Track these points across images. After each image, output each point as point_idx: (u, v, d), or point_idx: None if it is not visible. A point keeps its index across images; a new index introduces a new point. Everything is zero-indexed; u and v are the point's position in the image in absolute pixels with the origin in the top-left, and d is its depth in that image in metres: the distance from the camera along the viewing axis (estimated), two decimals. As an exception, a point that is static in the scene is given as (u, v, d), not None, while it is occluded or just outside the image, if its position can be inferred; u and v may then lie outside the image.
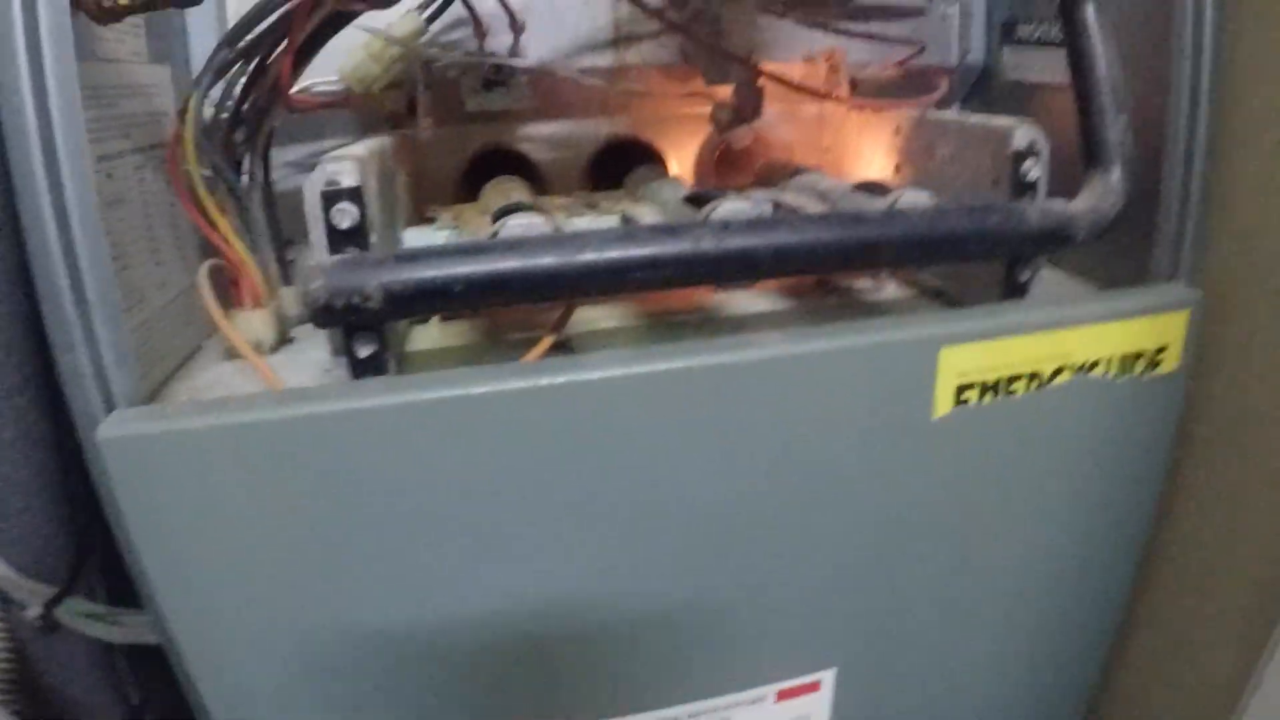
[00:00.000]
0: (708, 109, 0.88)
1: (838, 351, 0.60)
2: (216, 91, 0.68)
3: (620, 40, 0.85)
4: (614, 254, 0.56)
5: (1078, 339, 0.67)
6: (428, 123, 0.79)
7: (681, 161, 0.91)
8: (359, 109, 0.80)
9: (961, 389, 0.64)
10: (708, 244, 0.57)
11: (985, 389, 0.65)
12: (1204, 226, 0.73)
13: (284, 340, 0.77)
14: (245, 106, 0.70)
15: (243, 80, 0.69)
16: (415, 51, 0.76)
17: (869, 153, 0.86)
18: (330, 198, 0.58)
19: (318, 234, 0.58)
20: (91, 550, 0.76)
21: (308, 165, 0.87)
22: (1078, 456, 0.73)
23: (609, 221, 0.75)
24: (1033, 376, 0.67)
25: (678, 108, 0.89)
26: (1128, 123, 0.66)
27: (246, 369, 0.69)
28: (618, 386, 0.57)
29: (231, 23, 0.66)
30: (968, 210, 0.62)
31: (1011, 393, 0.66)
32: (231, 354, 0.73)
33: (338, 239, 0.58)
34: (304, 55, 0.68)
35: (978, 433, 0.67)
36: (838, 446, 0.63)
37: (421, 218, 0.80)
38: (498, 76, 0.80)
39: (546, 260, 0.56)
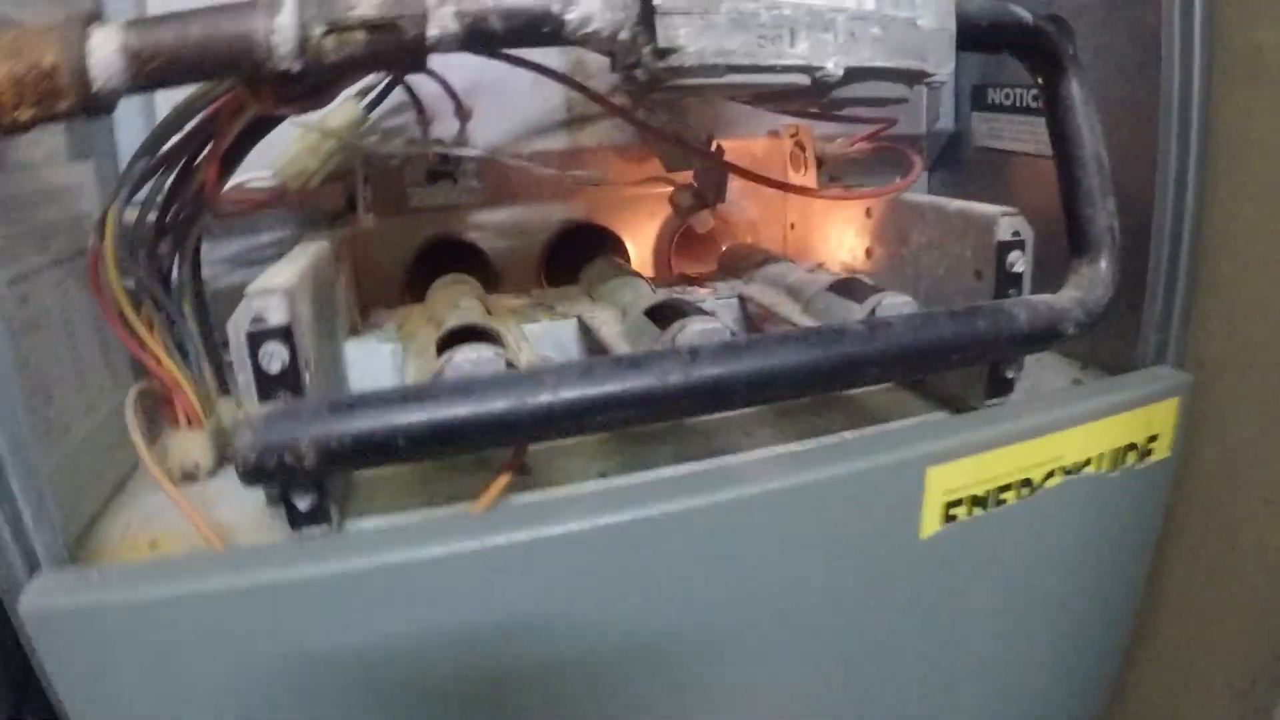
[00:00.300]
0: (667, 189, 0.83)
1: (822, 483, 0.55)
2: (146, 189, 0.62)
3: (574, 121, 0.80)
4: (572, 394, 0.50)
5: (1069, 441, 0.63)
6: (369, 219, 0.73)
7: (640, 244, 0.86)
8: (295, 207, 0.73)
9: (950, 505, 0.60)
10: (675, 377, 0.52)
11: (975, 502, 0.61)
12: (1191, 307, 0.69)
13: (225, 458, 0.71)
14: (170, 215, 0.63)
15: (166, 187, 0.62)
16: (355, 143, 0.70)
17: (838, 233, 0.81)
18: (257, 339, 0.52)
19: (245, 378, 0.52)
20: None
21: (243, 260, 0.80)
22: (1069, 551, 0.69)
23: (566, 327, 0.69)
24: (1024, 484, 0.62)
25: (635, 190, 0.83)
26: (1114, 207, 0.62)
27: (186, 493, 0.62)
28: (589, 540, 0.51)
29: (161, 106, 0.59)
30: (953, 317, 0.58)
31: (1002, 502, 0.62)
32: (171, 479, 0.67)
33: (267, 384, 0.52)
34: (230, 160, 0.61)
35: (968, 546, 0.62)
36: (822, 573, 0.58)
37: (365, 320, 0.74)
38: (443, 167, 0.74)
39: (498, 404, 0.50)
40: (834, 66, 0.53)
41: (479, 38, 0.52)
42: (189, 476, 0.67)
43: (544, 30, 0.53)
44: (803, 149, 0.80)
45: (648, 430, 0.67)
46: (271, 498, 0.55)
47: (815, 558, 0.58)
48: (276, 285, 0.52)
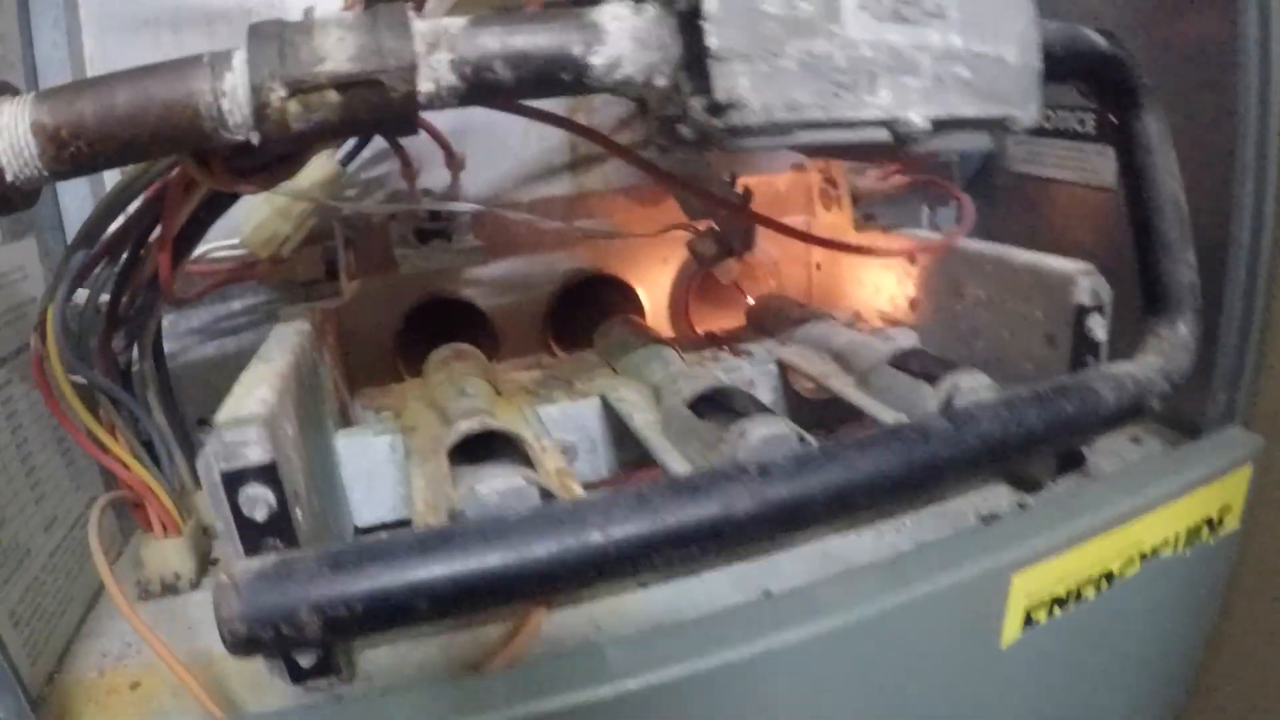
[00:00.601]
0: (685, 234, 0.72)
1: (904, 605, 0.46)
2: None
3: (578, 163, 0.69)
4: (626, 532, 0.41)
5: (1149, 525, 0.55)
6: (353, 287, 0.61)
7: (654, 292, 0.75)
8: (267, 278, 0.61)
9: (1031, 610, 0.51)
10: (745, 504, 0.42)
11: (1055, 603, 0.52)
12: (1263, 362, 0.61)
13: (208, 563, 0.60)
14: (122, 305, 0.52)
15: (114, 274, 0.50)
16: (331, 204, 0.58)
17: (874, 278, 0.71)
18: (234, 480, 0.41)
19: (224, 525, 0.41)
20: None
21: (213, 330, 0.68)
22: (1138, 632, 0.61)
23: (589, 409, 0.58)
24: (1105, 577, 0.54)
25: (650, 238, 0.73)
26: (1195, 259, 0.53)
27: (165, 613, 0.55)
28: (644, 699, 0.42)
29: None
30: (1040, 402, 0.49)
31: (1081, 598, 0.54)
32: (146, 593, 0.57)
33: (252, 533, 0.41)
34: (184, 244, 0.50)
35: (1045, 648, 0.54)
36: (897, 694, 0.50)
37: (353, 394, 0.63)
38: (435, 224, 0.62)
39: (540, 550, 0.40)
40: (919, 119, 0.43)
41: (483, 90, 0.41)
42: (169, 589, 0.58)
43: (563, 78, 0.42)
44: (834, 185, 0.69)
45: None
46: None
47: (890, 680, 0.49)
48: (253, 413, 0.42)
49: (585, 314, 0.73)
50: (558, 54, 0.41)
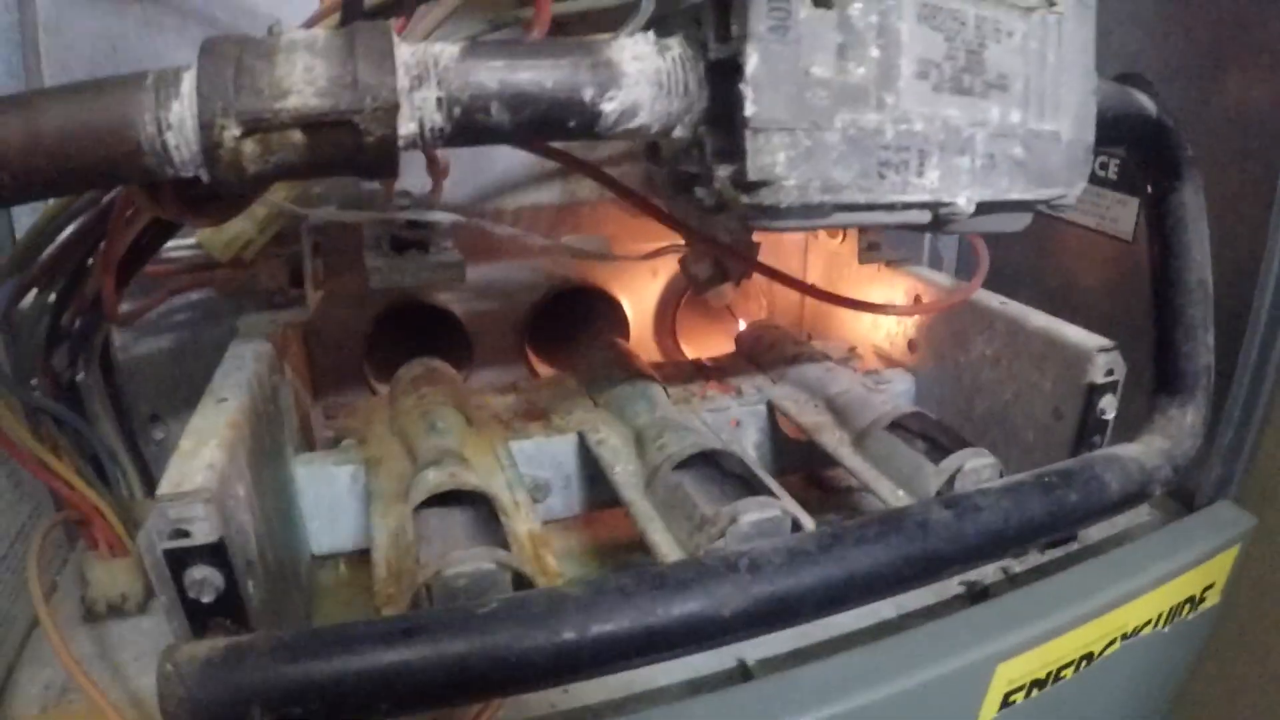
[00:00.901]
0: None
1: (889, 696, 0.43)
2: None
3: (569, 170, 0.62)
4: (605, 628, 0.37)
5: (1134, 609, 0.52)
6: (318, 297, 0.55)
7: (638, 305, 0.69)
8: (226, 284, 0.55)
9: (1009, 694, 0.49)
10: (734, 601, 0.38)
11: (1034, 685, 0.50)
12: (1261, 440, 0.58)
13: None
14: (63, 326, 0.45)
15: (54, 296, 0.44)
16: (299, 210, 0.51)
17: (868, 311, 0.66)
18: (179, 559, 0.36)
19: (170, 605, 0.37)
20: None
21: (167, 323, 0.62)
22: (1111, 699, 0.59)
23: (564, 445, 0.54)
24: (1084, 659, 0.52)
25: (638, 245, 0.67)
26: (1212, 344, 0.49)
27: (110, 639, 0.52)
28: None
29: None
30: (1044, 490, 0.45)
31: (1060, 679, 0.51)
32: (92, 614, 0.53)
33: (198, 614, 0.37)
34: (131, 264, 0.44)
35: None
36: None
37: (315, 398, 0.57)
38: (411, 233, 0.56)
39: (512, 645, 0.36)
40: (965, 202, 0.38)
41: (473, 133, 0.35)
42: (115, 611, 0.54)
43: (568, 124, 0.36)
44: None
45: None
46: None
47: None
48: (199, 486, 0.36)
49: (566, 326, 0.68)
50: (566, 98, 0.35)
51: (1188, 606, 0.56)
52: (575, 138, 0.37)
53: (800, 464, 0.60)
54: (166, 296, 0.54)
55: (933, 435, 0.49)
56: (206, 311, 0.63)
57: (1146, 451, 0.48)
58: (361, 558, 0.56)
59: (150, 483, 0.57)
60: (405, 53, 0.34)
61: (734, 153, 0.35)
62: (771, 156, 0.34)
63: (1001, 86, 0.38)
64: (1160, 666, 0.58)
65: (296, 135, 0.33)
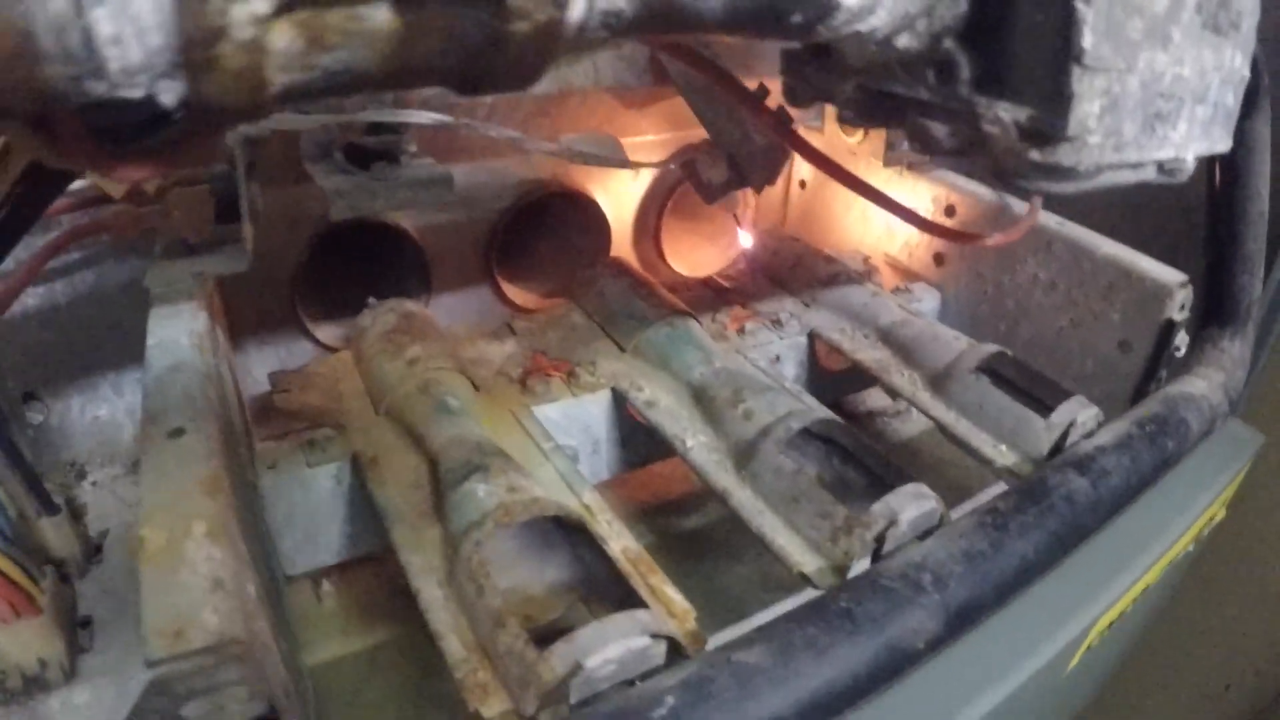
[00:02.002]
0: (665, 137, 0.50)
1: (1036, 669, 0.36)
2: None
3: (564, 48, 0.43)
4: (806, 695, 0.28)
5: (1181, 542, 0.49)
6: (250, 233, 0.34)
7: (614, 208, 0.53)
8: (125, 231, 0.33)
9: (1093, 640, 0.45)
10: (930, 626, 0.30)
11: (1110, 625, 0.46)
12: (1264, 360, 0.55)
13: (80, 635, 0.38)
14: None
15: None
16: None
17: (887, 218, 0.55)
18: None
19: None
20: None
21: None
22: (1147, 617, 0.58)
23: (596, 406, 0.40)
24: (1143, 591, 0.48)
25: (628, 141, 0.49)
26: (1262, 276, 0.44)
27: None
28: None
29: None
30: (1149, 440, 0.40)
31: (1123, 614, 0.48)
32: (4, 691, 0.35)
33: None
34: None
35: (1092, 660, 0.48)
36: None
37: (236, 348, 0.38)
38: (377, 140, 0.36)
39: None
40: (1192, 158, 0.27)
41: (663, 20, 0.19)
42: (35, 683, 0.36)
43: (793, 18, 0.21)
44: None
45: (702, 544, 0.44)
46: None
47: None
48: (220, 634, 0.21)
49: (538, 238, 0.50)
50: None
51: (1209, 524, 0.54)
52: (792, 36, 0.22)
53: (832, 395, 0.49)
54: (45, 258, 0.31)
55: (1028, 379, 0.41)
56: (87, 258, 0.40)
57: (1210, 387, 0.44)
58: (346, 573, 0.40)
59: (41, 493, 0.36)
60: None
61: (1026, 90, 0.22)
62: (1091, 105, 0.22)
63: (1237, 26, 0.27)
64: (1181, 581, 0.58)
65: (380, 14, 0.15)
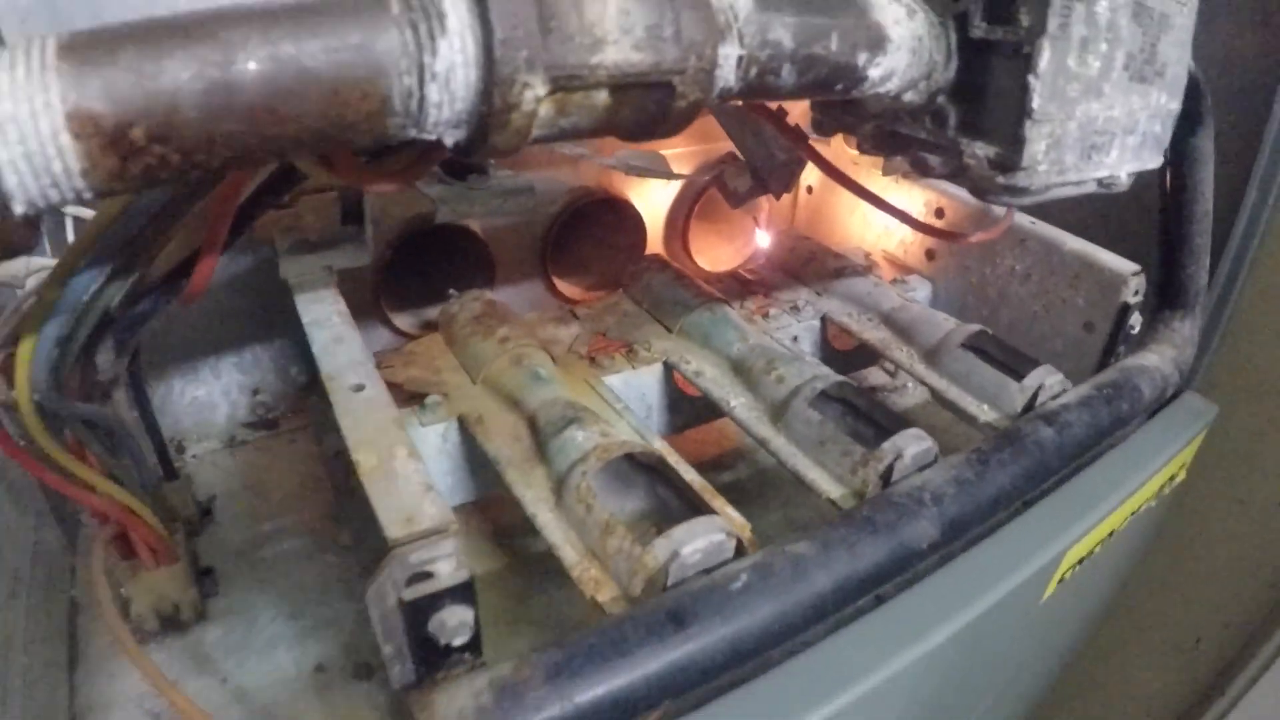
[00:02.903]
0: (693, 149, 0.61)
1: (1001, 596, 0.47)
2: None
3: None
4: (843, 576, 0.39)
5: (1144, 491, 0.60)
6: (372, 232, 0.44)
7: (647, 211, 0.63)
8: (263, 229, 0.42)
9: (1065, 573, 0.56)
10: (931, 532, 0.41)
11: (1078, 563, 0.57)
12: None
13: (204, 584, 0.47)
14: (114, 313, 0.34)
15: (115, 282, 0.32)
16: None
17: (884, 219, 0.66)
18: (423, 607, 0.30)
19: (397, 654, 0.31)
20: None
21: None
22: (1110, 565, 0.69)
23: (650, 376, 0.51)
24: (1109, 535, 0.60)
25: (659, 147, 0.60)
26: (1208, 265, 0.56)
27: (177, 657, 0.44)
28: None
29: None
30: (1106, 401, 0.51)
31: (1092, 554, 0.59)
32: (143, 633, 0.45)
33: (438, 657, 0.31)
34: (231, 234, 0.32)
35: (1063, 593, 0.59)
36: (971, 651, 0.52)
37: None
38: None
39: (769, 610, 0.37)
40: (1126, 176, 0.39)
41: (756, 93, 0.30)
42: (170, 624, 0.46)
43: (837, 87, 0.32)
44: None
45: (736, 494, 0.54)
46: None
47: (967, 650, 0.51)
48: (437, 521, 0.30)
49: (584, 238, 0.61)
50: (845, 63, 0.31)
51: (1169, 483, 0.65)
52: (833, 98, 0.33)
53: (841, 371, 0.61)
54: (217, 253, 0.41)
55: (1004, 352, 0.52)
56: None
57: (1162, 360, 0.55)
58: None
59: (166, 460, 0.46)
60: (715, -2, 0.27)
61: (994, 134, 0.34)
62: (1038, 145, 0.33)
63: (1161, 74, 0.39)
64: (1146, 534, 0.69)
65: (602, 96, 0.26)
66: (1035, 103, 0.31)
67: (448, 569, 0.30)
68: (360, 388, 0.36)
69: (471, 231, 0.57)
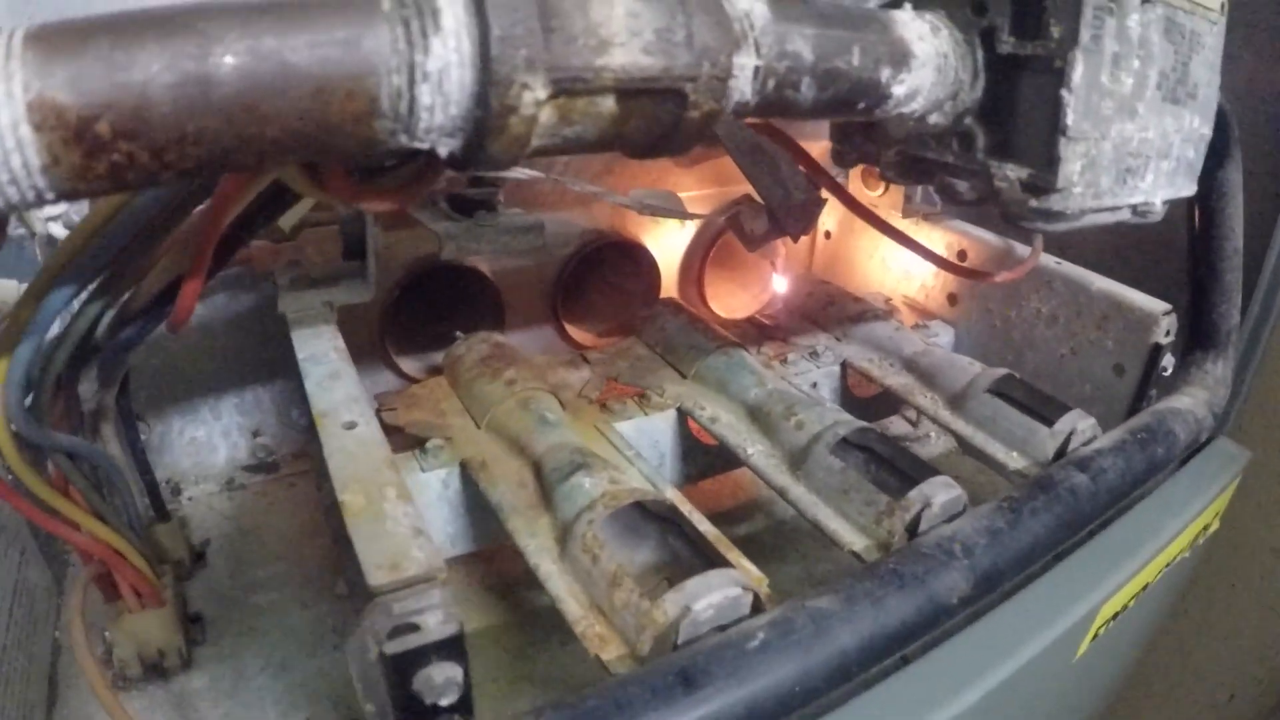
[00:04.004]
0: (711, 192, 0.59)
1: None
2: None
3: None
4: (869, 634, 0.35)
5: (1179, 542, 0.56)
6: (374, 267, 0.42)
7: (662, 255, 0.61)
8: (265, 264, 0.40)
9: (1099, 628, 0.52)
10: (962, 586, 0.37)
11: (1113, 617, 0.53)
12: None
13: (192, 630, 0.43)
14: (96, 340, 0.31)
15: (86, 307, 0.30)
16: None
17: (903, 263, 0.64)
18: (409, 661, 0.27)
19: (380, 713, 0.27)
20: None
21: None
22: (1144, 615, 0.64)
23: (664, 423, 0.48)
24: (1143, 588, 0.55)
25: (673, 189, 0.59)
26: (1240, 304, 0.53)
27: (159, 706, 0.41)
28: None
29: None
30: (1141, 446, 0.48)
31: (1126, 608, 0.55)
32: (125, 680, 0.41)
33: (422, 716, 0.28)
34: (215, 261, 0.30)
35: (1096, 651, 0.55)
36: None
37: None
38: (479, 191, 0.44)
39: (785, 672, 0.33)
40: (1160, 203, 0.36)
41: (773, 108, 0.28)
42: (154, 670, 0.42)
43: (859, 105, 0.29)
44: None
45: (753, 547, 0.51)
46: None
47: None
48: (425, 568, 0.27)
49: (597, 282, 0.58)
50: (867, 79, 0.29)
51: (1203, 533, 0.61)
52: (855, 117, 0.30)
53: (864, 420, 0.58)
54: (202, 277, 0.39)
55: (1033, 397, 0.49)
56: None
57: (1195, 403, 0.52)
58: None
59: (158, 501, 0.43)
60: (731, 4, 0.25)
61: (1026, 154, 0.31)
62: (1073, 165, 0.31)
63: (1193, 95, 0.37)
64: (1179, 587, 0.64)
65: (608, 103, 0.23)
66: (1069, 119, 0.29)
67: (435, 621, 0.26)
68: (353, 425, 0.33)
69: (481, 273, 0.55)
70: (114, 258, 0.27)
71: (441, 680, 0.27)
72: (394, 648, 0.26)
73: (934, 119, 0.32)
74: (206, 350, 0.53)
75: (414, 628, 0.26)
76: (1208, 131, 0.39)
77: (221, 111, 0.20)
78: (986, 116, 0.31)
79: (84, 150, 0.20)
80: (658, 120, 0.24)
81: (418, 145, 0.24)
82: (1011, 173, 0.31)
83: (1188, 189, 0.39)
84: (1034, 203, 0.31)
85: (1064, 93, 0.28)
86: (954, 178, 0.33)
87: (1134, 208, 0.36)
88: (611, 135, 0.24)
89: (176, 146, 0.20)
